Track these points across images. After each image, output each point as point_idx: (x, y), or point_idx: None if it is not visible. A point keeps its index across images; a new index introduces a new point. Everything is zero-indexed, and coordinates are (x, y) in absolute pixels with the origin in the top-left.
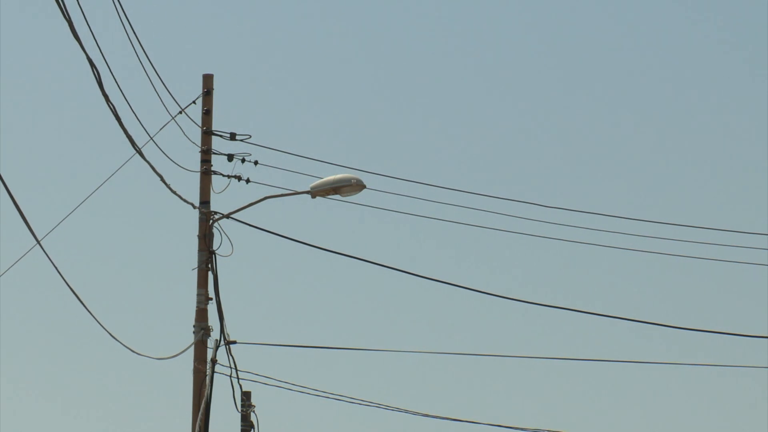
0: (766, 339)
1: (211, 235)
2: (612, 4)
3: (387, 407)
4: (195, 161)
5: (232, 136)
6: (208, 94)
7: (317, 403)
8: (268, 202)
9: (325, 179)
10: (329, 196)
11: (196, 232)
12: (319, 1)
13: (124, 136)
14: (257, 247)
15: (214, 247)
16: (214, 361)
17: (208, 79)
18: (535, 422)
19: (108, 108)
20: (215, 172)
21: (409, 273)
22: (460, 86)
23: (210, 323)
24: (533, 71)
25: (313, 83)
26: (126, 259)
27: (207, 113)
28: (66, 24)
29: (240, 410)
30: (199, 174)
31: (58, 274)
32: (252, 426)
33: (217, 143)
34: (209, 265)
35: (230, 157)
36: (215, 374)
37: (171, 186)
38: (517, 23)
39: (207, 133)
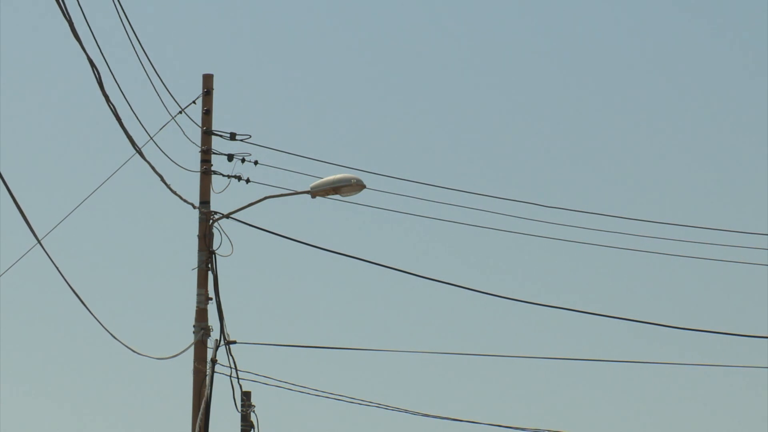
0: (766, 339)
1: (211, 235)
2: (612, 4)
3: (387, 407)
4: (195, 161)
5: (232, 136)
6: (208, 94)
7: (317, 403)
8: (268, 202)
9: (325, 179)
10: (329, 196)
11: (196, 232)
12: (319, 1)
13: (124, 136)
14: (257, 247)
15: (214, 247)
16: (214, 361)
17: (208, 79)
18: (535, 422)
19: (108, 108)
20: (215, 172)
21: (409, 273)
22: (461, 86)
23: (210, 323)
24: (533, 71)
25: (313, 83)
26: (126, 259)
27: (207, 113)
28: (66, 24)
29: (240, 410)
30: (199, 174)
31: (58, 274)
32: (252, 426)
33: (217, 143)
34: (209, 265)
35: (230, 157)
36: (215, 374)
37: (171, 186)
38: (517, 23)
39: (207, 133)
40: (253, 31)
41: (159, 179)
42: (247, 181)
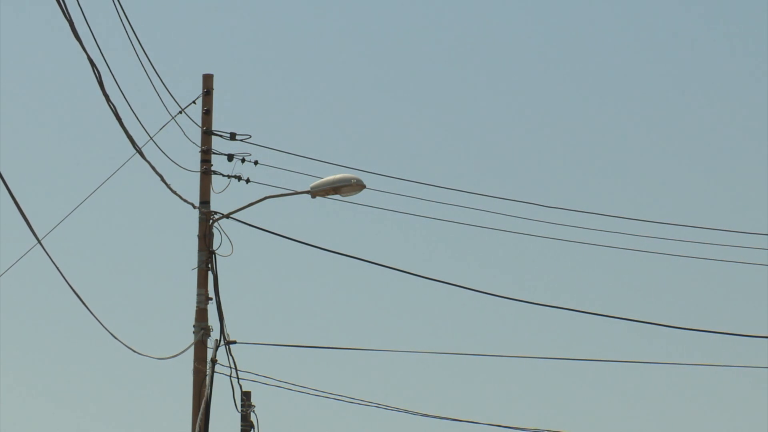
0: (766, 339)
1: (211, 235)
2: (612, 4)
3: (387, 407)
4: (195, 161)
5: (232, 136)
6: (208, 94)
7: (317, 403)
8: (268, 202)
9: (325, 179)
10: (329, 196)
11: (196, 232)
12: (319, 1)
13: (124, 136)
14: (257, 247)
15: (214, 247)
16: (214, 361)
17: (208, 79)
18: (535, 422)
19: (108, 108)
20: (215, 172)
21: (409, 273)
22: (461, 86)
23: (210, 323)
24: (533, 71)
25: (313, 83)
26: (126, 258)
27: (207, 113)
28: (66, 24)
29: (240, 410)
30: (199, 174)
31: (58, 274)
32: (252, 426)
33: (217, 143)
34: (209, 265)
35: (230, 157)
36: (215, 374)
37: (171, 186)
38: (517, 23)
39: (207, 133)
40: (253, 31)
41: (159, 179)
42: (247, 181)
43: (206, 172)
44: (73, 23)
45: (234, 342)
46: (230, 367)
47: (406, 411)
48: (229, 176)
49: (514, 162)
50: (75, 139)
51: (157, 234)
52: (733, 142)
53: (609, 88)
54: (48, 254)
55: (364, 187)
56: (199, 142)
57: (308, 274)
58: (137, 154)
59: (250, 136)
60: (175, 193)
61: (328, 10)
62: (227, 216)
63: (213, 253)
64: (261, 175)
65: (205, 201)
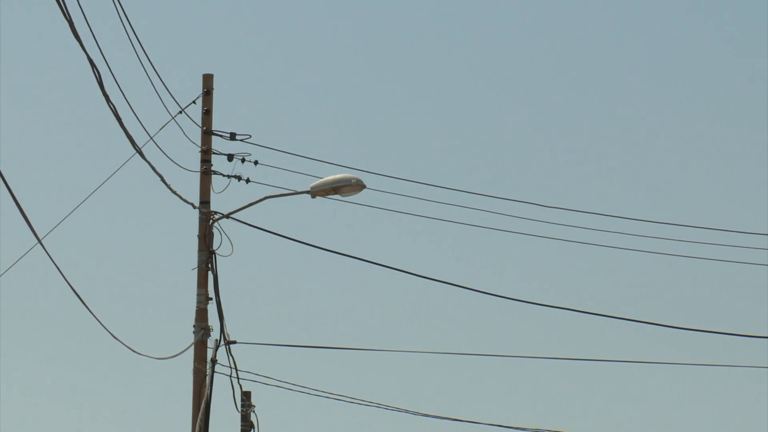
0: (766, 339)
1: (211, 235)
2: (612, 4)
3: (387, 407)
4: (195, 161)
5: (232, 136)
6: (208, 94)
7: (317, 403)
8: (268, 202)
9: (325, 179)
10: (329, 196)
11: (196, 232)
12: (319, 1)
13: (124, 136)
14: (257, 247)
15: (214, 247)
16: (214, 361)
17: (208, 79)
18: (535, 422)
19: (108, 108)
20: (215, 172)
21: (409, 273)
22: (461, 86)
23: (210, 323)
24: (533, 71)
25: (313, 83)
26: (126, 259)
27: (207, 113)
28: (66, 24)
29: (240, 410)
30: (199, 174)
31: (59, 274)
32: (252, 426)
33: (217, 143)
34: (209, 265)
35: (230, 157)
36: (215, 374)
37: (171, 186)
38: (517, 23)
39: (207, 133)
40: (253, 31)
41: (159, 179)
42: (247, 181)
43: (206, 172)
44: (73, 23)
45: (234, 342)
46: (230, 367)
47: (406, 411)
48: (229, 176)
49: (514, 162)
50: (75, 139)
51: (157, 234)
52: (733, 142)
53: (609, 88)
54: (48, 254)
55: (364, 187)
56: (199, 142)
57: (308, 274)
58: (137, 154)
59: (250, 136)
60: (175, 193)
61: (328, 10)
62: (227, 216)
63: (213, 253)
64: (261, 175)
65: (205, 201)
